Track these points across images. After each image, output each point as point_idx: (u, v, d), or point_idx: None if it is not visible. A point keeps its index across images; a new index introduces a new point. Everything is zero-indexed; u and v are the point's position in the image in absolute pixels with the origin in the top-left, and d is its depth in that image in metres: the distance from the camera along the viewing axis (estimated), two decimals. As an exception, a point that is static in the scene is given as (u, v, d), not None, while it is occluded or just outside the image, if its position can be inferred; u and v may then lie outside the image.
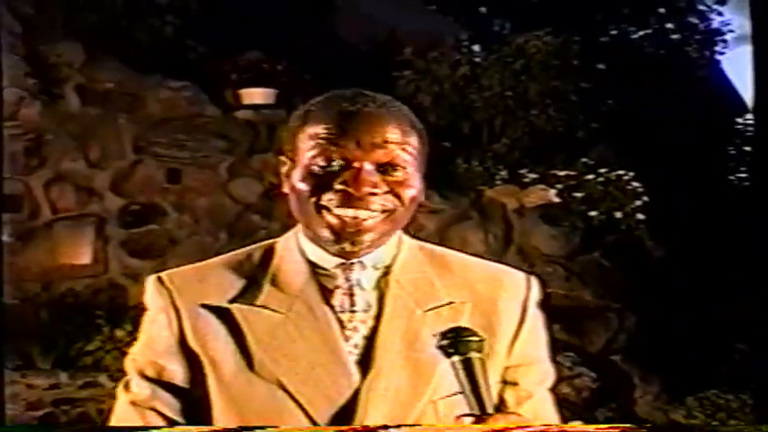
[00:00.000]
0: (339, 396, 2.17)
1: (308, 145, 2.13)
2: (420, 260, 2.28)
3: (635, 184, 9.32)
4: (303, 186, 2.14)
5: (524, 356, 2.34)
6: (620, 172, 9.33)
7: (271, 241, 2.30)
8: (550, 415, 2.41)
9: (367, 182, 2.10)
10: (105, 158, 9.47)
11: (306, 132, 2.15)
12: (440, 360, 2.07)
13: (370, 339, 2.20)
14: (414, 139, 2.17)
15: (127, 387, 2.25)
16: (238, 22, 10.11)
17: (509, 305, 2.31)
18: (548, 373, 2.41)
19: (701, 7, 14.64)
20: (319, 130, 2.13)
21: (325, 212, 2.13)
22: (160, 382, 2.23)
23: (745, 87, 14.55)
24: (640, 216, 9.28)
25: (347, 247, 2.14)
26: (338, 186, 2.10)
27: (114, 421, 2.28)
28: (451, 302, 2.24)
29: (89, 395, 8.19)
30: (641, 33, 13.80)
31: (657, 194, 9.43)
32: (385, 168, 2.12)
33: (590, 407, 8.19)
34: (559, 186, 9.16)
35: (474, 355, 1.99)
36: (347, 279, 2.21)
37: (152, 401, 2.22)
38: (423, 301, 2.23)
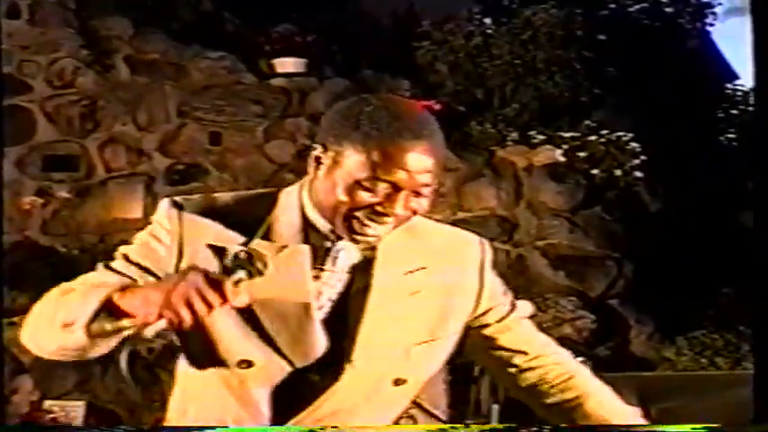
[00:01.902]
0: (311, 346, 2.25)
1: (360, 162, 2.13)
2: (397, 230, 2.27)
3: (633, 144, 9.28)
4: (344, 198, 2.15)
5: (490, 302, 2.42)
6: (620, 133, 9.30)
7: (276, 189, 2.32)
8: (534, 337, 2.51)
9: (403, 206, 2.16)
10: (152, 122, 9.48)
11: (362, 150, 2.13)
12: (416, 313, 2.27)
13: (344, 295, 2.26)
14: (440, 165, 2.19)
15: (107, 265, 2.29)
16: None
17: (469, 267, 2.39)
18: (515, 306, 2.50)
19: (693, -19, 14.55)
20: (376, 158, 2.11)
21: (353, 222, 2.17)
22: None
23: (734, 56, 14.49)
24: (638, 174, 9.25)
25: (357, 236, 2.20)
26: (378, 208, 2.14)
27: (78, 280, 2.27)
28: (424, 267, 2.31)
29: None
30: (638, 7, 13.66)
31: (654, 154, 9.40)
32: (417, 194, 2.17)
33: (590, 345, 8.20)
34: (565, 147, 9.14)
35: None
36: (337, 244, 2.25)
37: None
38: (402, 264, 2.28)
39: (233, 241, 2.20)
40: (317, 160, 2.20)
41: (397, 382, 2.31)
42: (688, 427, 2.58)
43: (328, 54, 9.81)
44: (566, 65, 9.75)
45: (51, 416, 7.87)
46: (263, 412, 2.26)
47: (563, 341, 8.78)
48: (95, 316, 2.07)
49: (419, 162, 2.12)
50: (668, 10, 13.87)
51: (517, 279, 8.44)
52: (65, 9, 9.58)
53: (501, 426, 2.41)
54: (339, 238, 2.23)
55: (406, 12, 10.93)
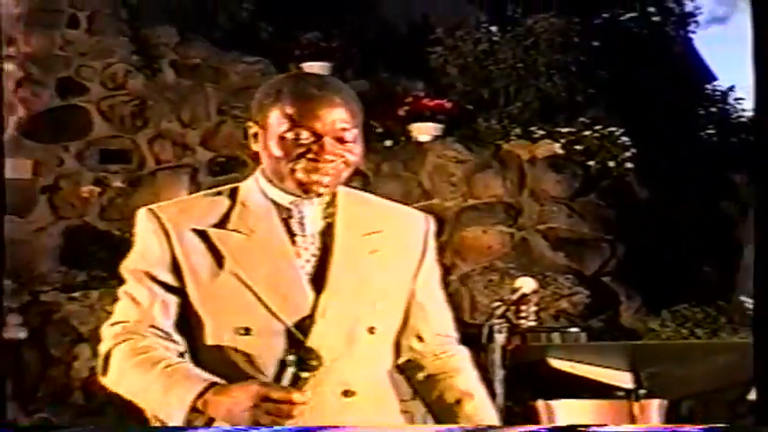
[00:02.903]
0: (301, 300, 2.29)
1: (281, 120, 2.27)
2: (352, 198, 2.41)
3: (624, 138, 9.26)
4: (278, 152, 2.27)
5: (428, 265, 2.49)
6: (612, 129, 9.27)
7: (235, 185, 2.42)
8: (437, 325, 2.51)
9: (329, 152, 2.25)
10: (195, 120, 9.50)
11: (278, 109, 2.27)
12: (376, 269, 2.35)
13: (321, 256, 2.32)
14: (357, 118, 2.31)
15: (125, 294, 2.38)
16: (301, 8, 10.08)
17: (415, 235, 2.47)
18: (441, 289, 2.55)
19: (677, -6, 14.54)
20: (291, 110, 2.25)
21: (296, 173, 2.26)
22: (157, 283, 2.33)
23: (713, 60, 14.55)
24: (629, 165, 9.23)
25: (311, 195, 2.30)
26: (309, 156, 2.25)
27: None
28: (381, 231, 2.39)
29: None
30: (628, 16, 13.66)
31: (643, 147, 9.38)
32: (339, 140, 2.26)
33: (585, 318, 8.18)
34: (563, 141, 9.11)
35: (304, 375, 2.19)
36: (299, 211, 2.33)
37: (152, 304, 2.32)
38: (361, 228, 2.37)
39: (208, 224, 2.32)
40: (255, 136, 2.34)
41: (371, 330, 2.34)
42: (688, 427, 2.55)
43: (350, 58, 9.81)
44: (563, 68, 9.73)
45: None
46: (267, 373, 2.27)
47: (561, 314, 8.75)
48: None
49: (329, 110, 2.26)
50: (655, 19, 13.88)
51: (520, 259, 8.45)
52: (118, 19, 9.60)
53: (500, 425, 2.38)
54: (299, 210, 2.33)
55: (421, 20, 10.95)
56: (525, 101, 9.62)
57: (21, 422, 7.16)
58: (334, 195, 2.36)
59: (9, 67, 9.09)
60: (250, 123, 2.35)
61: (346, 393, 2.30)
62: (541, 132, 9.17)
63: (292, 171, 2.26)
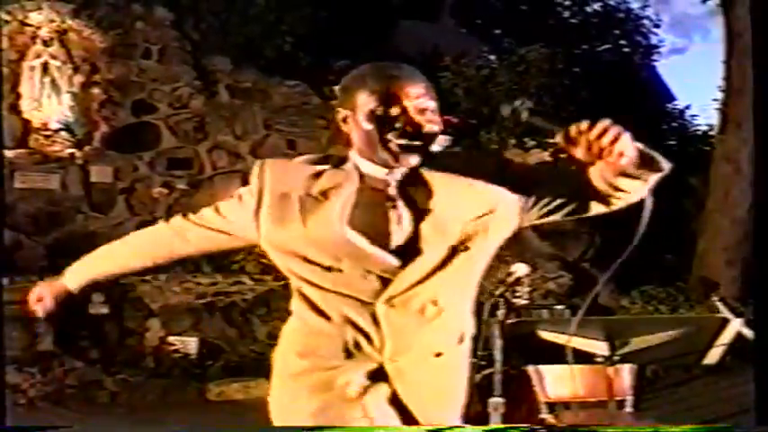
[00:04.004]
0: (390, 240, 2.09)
1: (368, 99, 2.09)
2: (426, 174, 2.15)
3: (600, 147, 9.24)
4: (369, 126, 2.09)
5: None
6: (591, 140, 9.26)
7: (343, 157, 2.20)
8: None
9: (416, 120, 2.08)
10: (245, 133, 9.52)
11: (366, 90, 2.10)
12: (459, 226, 2.08)
13: (415, 215, 2.10)
14: (432, 94, 2.13)
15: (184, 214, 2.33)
16: (334, 41, 10.09)
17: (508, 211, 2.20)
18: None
19: (643, 30, 14.53)
20: (377, 87, 2.09)
21: (389, 144, 2.08)
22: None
23: (673, 83, 14.64)
24: (605, 170, 9.21)
25: (403, 164, 2.10)
26: (397, 125, 2.06)
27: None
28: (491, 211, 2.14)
29: (236, 290, 8.24)
30: (603, 47, 13.68)
31: (616, 155, 9.36)
32: (422, 111, 2.09)
33: (568, 297, 8.15)
34: (550, 150, 9.10)
35: None
36: (392, 180, 2.12)
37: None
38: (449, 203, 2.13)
39: (300, 189, 2.13)
40: (344, 120, 2.16)
41: (434, 303, 2.13)
42: (688, 427, 2.44)
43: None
44: (551, 89, 9.71)
45: (173, 347, 7.93)
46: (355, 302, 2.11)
47: (549, 293, 8.66)
48: None
49: (411, 85, 2.09)
50: (626, 50, 13.89)
51: (513, 247, 8.41)
52: (183, 51, 9.60)
53: (501, 426, 2.26)
54: (390, 174, 2.12)
55: (432, 50, 10.92)
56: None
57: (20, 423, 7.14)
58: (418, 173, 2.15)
59: (95, 90, 9.12)
60: (339, 109, 2.17)
61: (438, 355, 2.14)
62: (533, 143, 9.15)
63: (385, 141, 2.09)
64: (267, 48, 10.26)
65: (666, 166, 2.05)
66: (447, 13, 14.00)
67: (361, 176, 2.15)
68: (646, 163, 1.98)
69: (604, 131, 1.89)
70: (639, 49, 14.34)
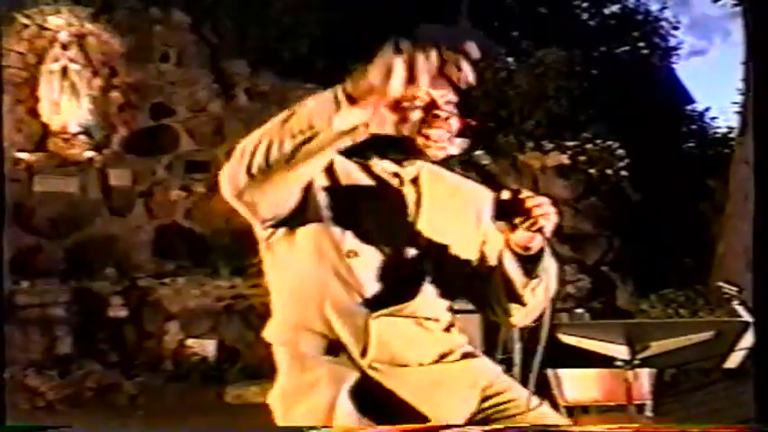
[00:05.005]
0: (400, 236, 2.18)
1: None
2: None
3: (620, 151, 9.23)
4: (392, 116, 2.06)
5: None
6: (610, 142, 9.25)
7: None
8: None
9: (442, 111, 2.15)
10: (264, 136, 9.50)
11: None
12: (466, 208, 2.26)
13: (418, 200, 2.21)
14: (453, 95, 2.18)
15: None
16: (348, 44, 10.10)
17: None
18: None
19: (662, 31, 14.47)
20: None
21: (417, 136, 2.14)
22: None
23: (692, 86, 14.58)
24: (624, 173, 9.20)
25: (427, 158, 2.19)
26: (415, 109, 2.11)
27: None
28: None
29: (255, 293, 8.23)
30: (622, 49, 13.62)
31: (635, 158, 9.34)
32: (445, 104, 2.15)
33: (586, 300, 8.13)
34: (569, 152, 9.10)
35: None
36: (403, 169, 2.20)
37: None
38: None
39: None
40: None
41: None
42: (687, 426, 2.46)
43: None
44: (568, 92, 9.69)
45: (192, 350, 7.94)
46: (367, 291, 2.17)
47: (568, 297, 8.63)
48: None
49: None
50: (644, 52, 13.82)
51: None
52: (201, 54, 9.64)
53: (501, 426, 2.28)
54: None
55: (449, 53, 10.92)
56: (537, 119, 9.58)
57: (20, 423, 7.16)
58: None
59: (113, 94, 9.17)
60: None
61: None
62: (551, 146, 9.15)
63: (411, 132, 2.13)
64: (284, 51, 10.28)
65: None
66: (464, 16, 13.99)
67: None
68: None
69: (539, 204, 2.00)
70: (658, 51, 14.26)
